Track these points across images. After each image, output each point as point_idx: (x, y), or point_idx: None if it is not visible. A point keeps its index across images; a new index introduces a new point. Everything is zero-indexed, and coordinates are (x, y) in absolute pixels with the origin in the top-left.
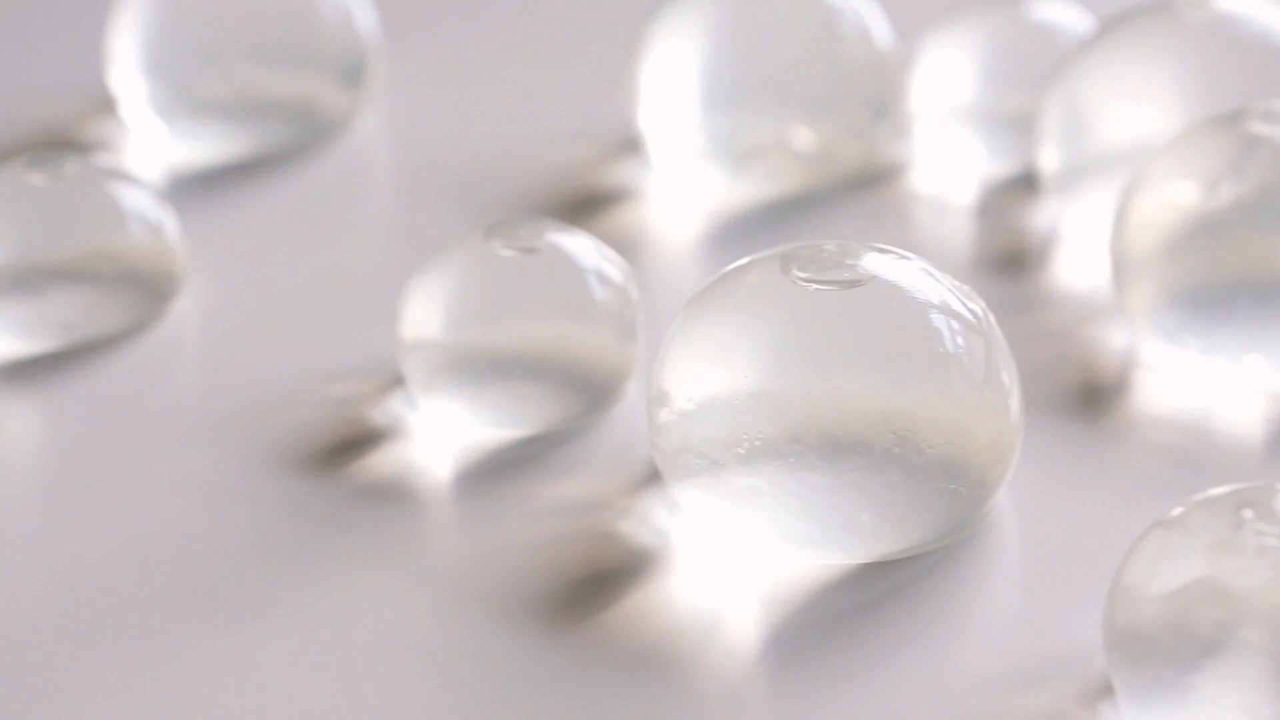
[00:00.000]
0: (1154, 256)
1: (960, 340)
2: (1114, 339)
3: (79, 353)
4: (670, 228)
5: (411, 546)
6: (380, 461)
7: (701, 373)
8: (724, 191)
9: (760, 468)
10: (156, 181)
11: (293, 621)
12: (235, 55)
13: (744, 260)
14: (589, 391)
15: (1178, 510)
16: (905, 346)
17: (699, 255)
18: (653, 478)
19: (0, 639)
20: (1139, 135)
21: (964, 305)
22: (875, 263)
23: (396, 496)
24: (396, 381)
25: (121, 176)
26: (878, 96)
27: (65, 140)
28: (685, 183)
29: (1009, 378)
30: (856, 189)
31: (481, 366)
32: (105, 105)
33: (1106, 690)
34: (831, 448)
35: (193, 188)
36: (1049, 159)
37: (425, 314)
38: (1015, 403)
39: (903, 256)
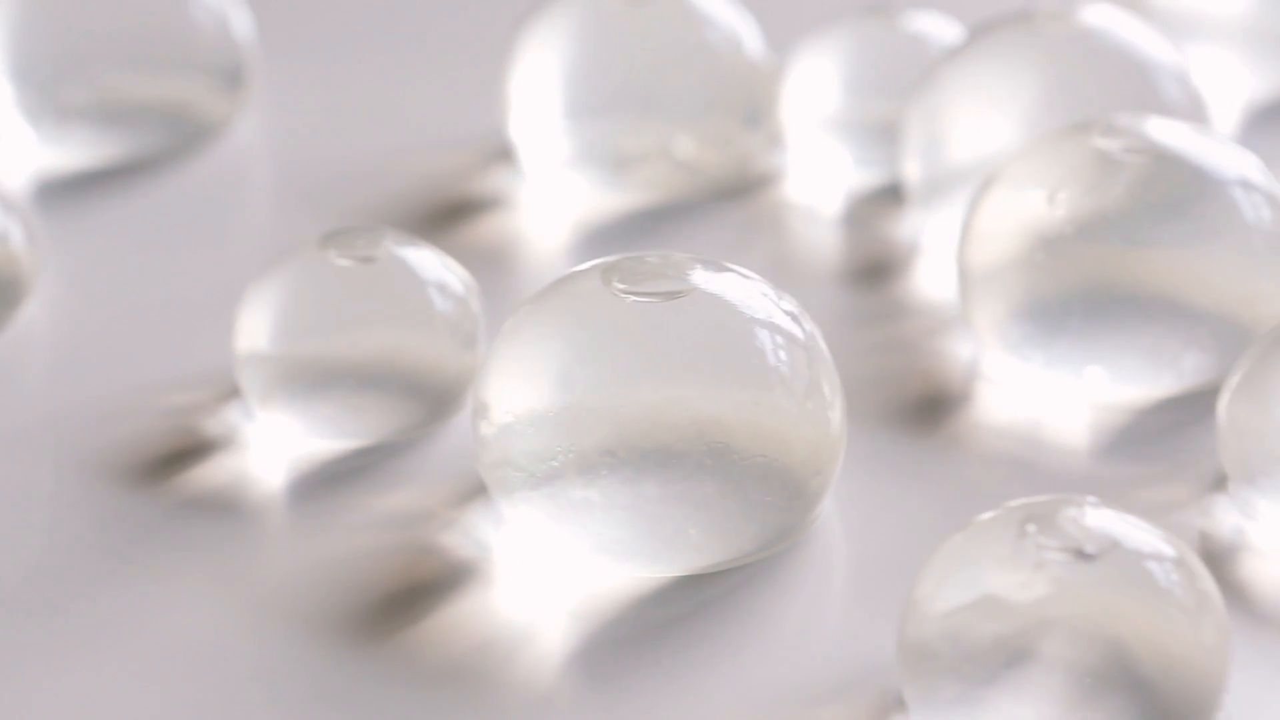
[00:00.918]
0: (995, 269)
1: (780, 353)
2: (962, 351)
3: None
4: (539, 237)
5: (232, 559)
6: (211, 473)
7: (518, 386)
8: (593, 201)
9: (575, 481)
10: (20, 188)
11: (103, 632)
12: (103, 60)
13: (569, 271)
14: (427, 402)
15: (969, 525)
16: (722, 358)
17: (566, 265)
18: (482, 490)
19: None
20: (995, 147)
21: (786, 318)
22: (698, 275)
23: (223, 508)
24: (236, 392)
25: None
26: (749, 106)
27: None
28: (555, 192)
29: (830, 390)
30: (728, 198)
31: (315, 377)
32: None
33: (900, 704)
34: (645, 460)
35: (60, 194)
36: (911, 170)
37: (259, 324)
38: (837, 415)
39: (726, 269)
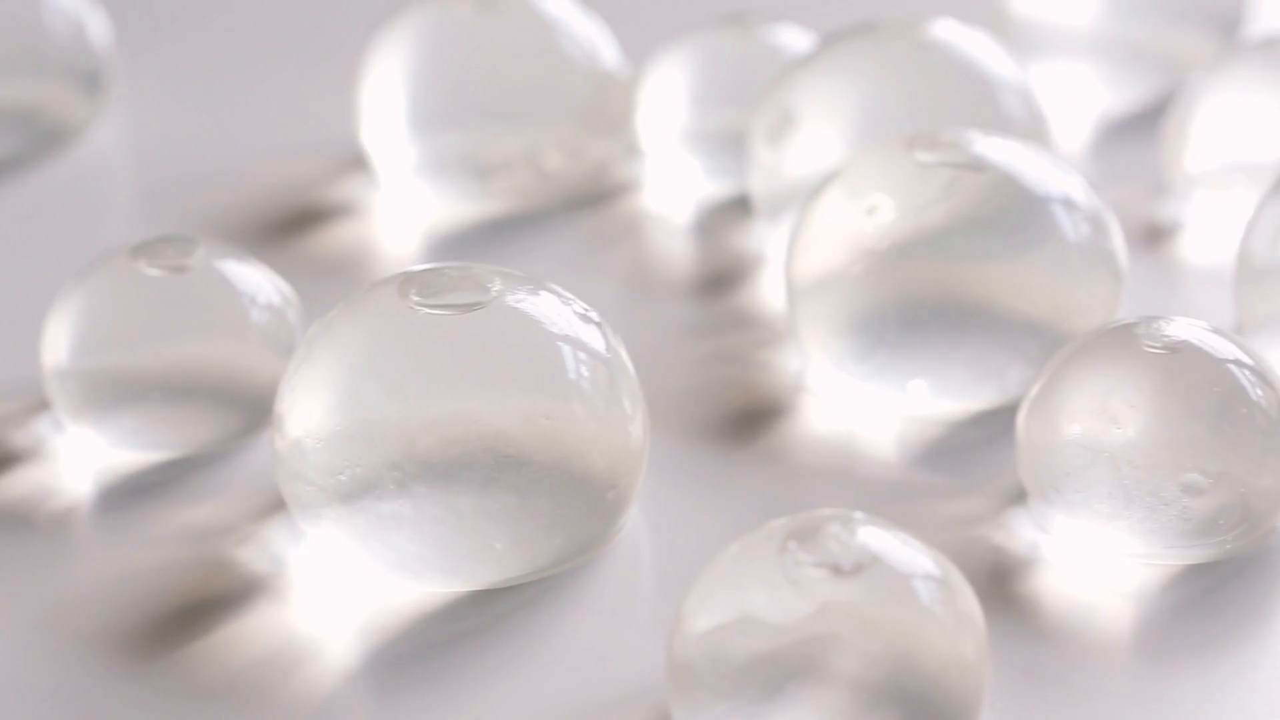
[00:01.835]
0: (818, 282)
1: (580, 367)
2: (790, 363)
3: None
4: (390, 245)
5: (25, 574)
6: (14, 485)
7: (309, 399)
8: (445, 210)
9: (365, 497)
10: None
11: None
12: None
13: (372, 282)
14: (242, 414)
15: (739, 541)
16: (513, 371)
17: None
18: (285, 504)
19: None
20: (833, 159)
21: (587, 331)
22: (497, 287)
23: (20, 521)
24: (47, 404)
25: None
26: (605, 116)
27: None
28: (406, 201)
29: (631, 403)
30: (581, 207)
31: (122, 390)
32: None
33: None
34: (432, 474)
35: None
36: (756, 181)
37: (64, 336)
38: (638, 428)
39: (529, 282)
